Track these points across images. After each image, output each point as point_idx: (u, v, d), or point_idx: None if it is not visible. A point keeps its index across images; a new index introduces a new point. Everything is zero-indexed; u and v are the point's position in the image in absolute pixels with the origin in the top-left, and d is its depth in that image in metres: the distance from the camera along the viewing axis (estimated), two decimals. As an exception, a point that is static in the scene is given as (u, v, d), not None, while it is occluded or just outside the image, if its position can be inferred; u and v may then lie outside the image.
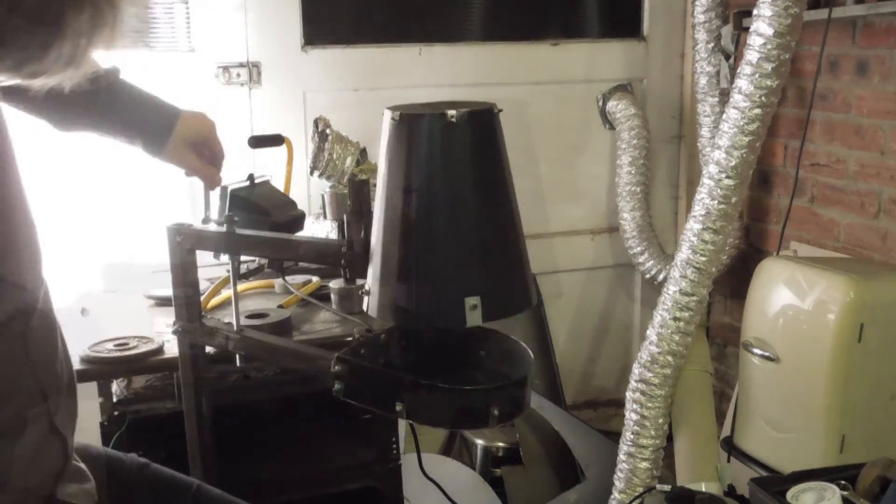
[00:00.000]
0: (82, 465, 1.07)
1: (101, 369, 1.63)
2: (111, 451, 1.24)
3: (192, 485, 1.25)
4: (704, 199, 2.10)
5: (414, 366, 1.04)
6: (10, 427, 0.94)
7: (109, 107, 1.34)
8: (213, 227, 1.45)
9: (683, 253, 2.15)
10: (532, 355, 1.08)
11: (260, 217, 1.65)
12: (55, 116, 1.34)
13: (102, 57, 0.77)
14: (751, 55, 2.00)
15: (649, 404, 2.21)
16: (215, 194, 1.65)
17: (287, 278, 2.04)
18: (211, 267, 2.05)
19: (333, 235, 2.19)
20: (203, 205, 1.64)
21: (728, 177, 2.06)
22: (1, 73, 0.73)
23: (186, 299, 1.37)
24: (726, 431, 2.30)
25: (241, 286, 1.99)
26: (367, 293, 1.04)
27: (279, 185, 2.00)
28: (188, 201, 2.07)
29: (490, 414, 1.00)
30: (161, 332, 1.76)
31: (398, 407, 1.02)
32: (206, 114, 1.50)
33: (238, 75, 2.39)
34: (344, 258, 1.14)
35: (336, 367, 1.08)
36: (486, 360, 1.06)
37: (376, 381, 1.06)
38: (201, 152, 1.48)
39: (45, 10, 0.69)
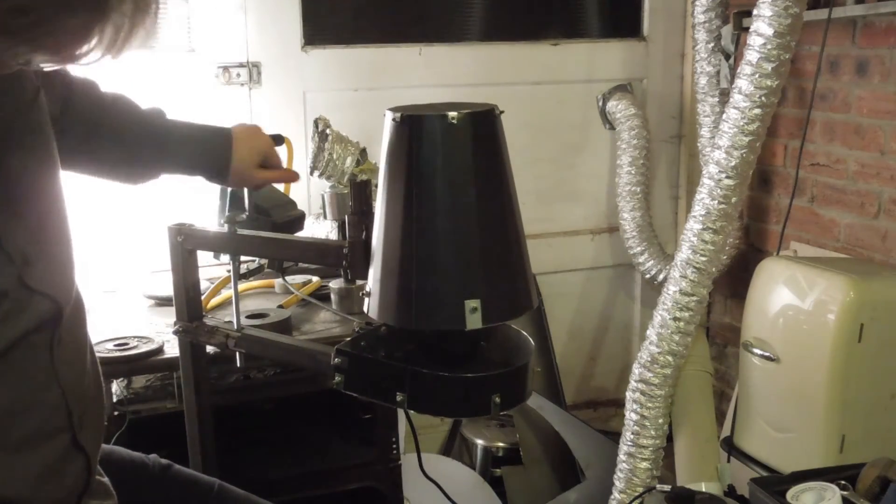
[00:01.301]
0: (105, 480, 1.07)
1: (101, 369, 1.63)
2: (134, 454, 1.25)
3: (213, 485, 1.26)
4: (704, 199, 2.10)
5: (414, 356, 1.04)
6: (32, 440, 0.92)
7: (165, 153, 1.34)
8: (214, 227, 1.45)
9: (683, 253, 2.15)
10: (533, 343, 1.08)
11: (260, 217, 1.66)
12: (124, 175, 1.34)
13: (107, 63, 0.76)
14: (751, 55, 2.00)
15: (649, 404, 2.21)
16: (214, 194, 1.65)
17: (287, 278, 2.04)
18: (211, 267, 2.05)
19: (333, 235, 2.19)
20: (220, 206, 1.64)
21: (728, 177, 2.06)
22: (41, 56, 0.71)
23: (186, 299, 1.37)
24: (726, 431, 2.30)
25: (241, 286, 1.99)
26: (368, 294, 1.04)
27: (279, 185, 2.00)
28: (188, 201, 2.07)
29: (492, 402, 1.00)
30: (161, 332, 1.76)
31: (399, 397, 1.02)
32: (259, 127, 1.46)
33: (238, 75, 2.39)
34: (344, 258, 1.14)
35: (336, 360, 1.08)
36: (487, 349, 1.06)
37: (377, 371, 1.06)
38: (264, 164, 1.45)
39: None
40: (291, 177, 1.50)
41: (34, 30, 0.67)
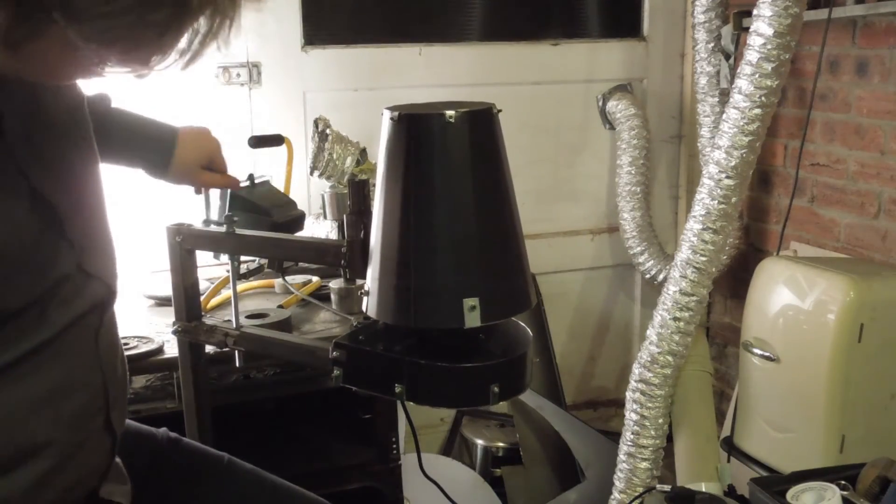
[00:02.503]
0: (118, 461, 1.08)
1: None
2: (143, 427, 1.26)
3: (222, 458, 1.26)
4: (704, 199, 2.10)
5: (412, 348, 1.04)
6: (75, 419, 0.95)
7: (104, 140, 1.35)
8: (213, 227, 1.46)
9: (683, 253, 2.15)
10: (531, 333, 1.08)
11: (260, 217, 1.66)
12: None
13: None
14: (751, 55, 2.00)
15: (649, 404, 2.21)
16: (213, 195, 1.65)
17: (287, 278, 2.04)
18: (211, 267, 2.05)
19: (333, 235, 2.19)
20: (204, 206, 1.64)
21: (728, 177, 2.06)
22: (114, 55, 0.69)
23: (186, 299, 1.37)
24: (726, 431, 2.30)
25: (241, 286, 1.99)
26: (367, 293, 1.04)
27: (279, 185, 2.01)
28: (188, 201, 2.07)
29: (490, 391, 1.00)
30: (161, 332, 1.76)
31: (398, 389, 1.02)
32: (209, 129, 1.49)
33: (238, 75, 2.39)
34: (344, 258, 1.14)
35: (335, 353, 1.08)
36: (485, 340, 1.06)
37: (375, 364, 1.06)
38: (209, 167, 1.48)
39: None
40: (233, 183, 1.53)
41: (115, 20, 0.66)
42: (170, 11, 0.68)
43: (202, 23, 0.71)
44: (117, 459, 1.08)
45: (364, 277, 1.06)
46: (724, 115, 2.08)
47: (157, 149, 1.40)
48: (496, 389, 1.00)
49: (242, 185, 1.67)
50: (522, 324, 1.09)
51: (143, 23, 0.67)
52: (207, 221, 1.56)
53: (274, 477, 1.28)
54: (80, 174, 0.98)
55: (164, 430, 1.27)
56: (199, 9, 0.69)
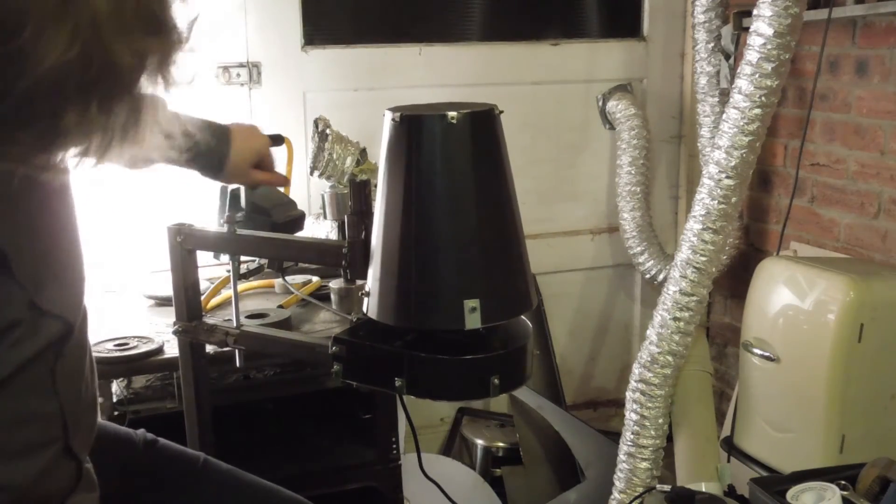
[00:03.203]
0: (89, 466, 1.06)
1: (101, 369, 1.61)
2: (120, 428, 1.25)
3: (199, 458, 1.26)
4: (704, 199, 2.11)
5: (412, 342, 1.04)
6: (28, 449, 0.92)
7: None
8: (214, 227, 1.46)
9: (683, 253, 2.15)
10: (530, 325, 1.08)
11: (260, 217, 1.66)
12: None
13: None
14: (751, 55, 2.00)
15: (649, 404, 2.21)
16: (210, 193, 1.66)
17: (287, 278, 2.04)
18: (211, 267, 2.05)
19: (333, 235, 2.19)
20: (220, 206, 1.64)
21: (728, 177, 2.06)
22: (5, 161, 0.69)
23: (186, 299, 1.37)
24: (726, 431, 2.30)
25: (241, 286, 1.99)
26: (367, 294, 1.04)
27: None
28: (188, 201, 2.07)
29: (491, 383, 1.00)
30: (161, 332, 1.76)
31: (398, 382, 1.02)
32: (257, 127, 1.48)
33: (238, 75, 2.39)
34: (344, 258, 1.14)
35: (334, 348, 1.08)
36: (485, 333, 1.06)
37: (375, 358, 1.06)
38: (259, 165, 1.48)
39: (36, 102, 0.65)
40: (283, 181, 1.52)
41: None
42: (42, 128, 0.67)
43: (94, 130, 0.70)
44: (88, 466, 1.05)
45: (365, 278, 1.06)
46: (724, 115, 2.08)
47: (212, 151, 1.38)
48: (496, 381, 1.00)
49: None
50: (523, 317, 1.09)
51: (14, 141, 0.66)
52: (231, 219, 1.54)
53: (251, 476, 1.27)
54: (34, 199, 0.90)
55: (141, 431, 1.26)
56: (80, 129, 0.68)
